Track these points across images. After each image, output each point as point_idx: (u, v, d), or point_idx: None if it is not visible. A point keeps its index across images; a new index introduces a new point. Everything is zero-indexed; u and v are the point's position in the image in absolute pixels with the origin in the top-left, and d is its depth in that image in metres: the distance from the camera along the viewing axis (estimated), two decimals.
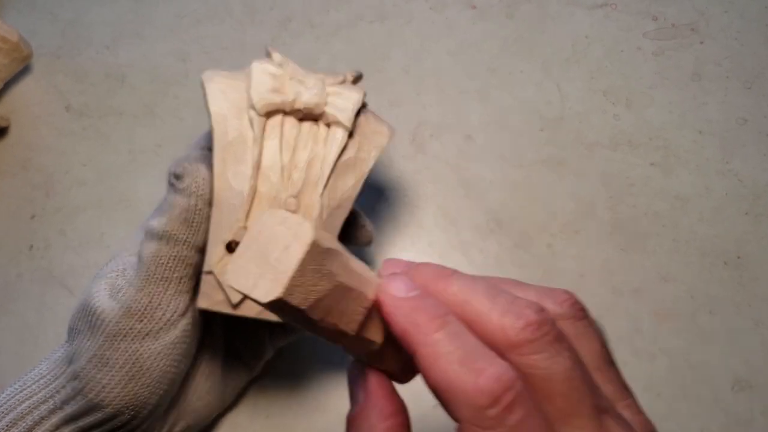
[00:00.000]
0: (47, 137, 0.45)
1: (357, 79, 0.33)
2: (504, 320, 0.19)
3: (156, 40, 0.48)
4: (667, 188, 0.42)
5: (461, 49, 0.47)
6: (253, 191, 0.29)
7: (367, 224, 0.34)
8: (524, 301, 0.20)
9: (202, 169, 0.29)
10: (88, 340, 0.29)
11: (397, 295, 0.20)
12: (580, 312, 0.21)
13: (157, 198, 0.43)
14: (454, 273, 0.21)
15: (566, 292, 0.22)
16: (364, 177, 0.32)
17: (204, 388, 0.33)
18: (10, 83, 0.46)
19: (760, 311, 0.39)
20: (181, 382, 0.32)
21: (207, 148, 0.32)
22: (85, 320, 0.29)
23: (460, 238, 0.42)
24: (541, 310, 0.19)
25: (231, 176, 0.29)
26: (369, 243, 0.34)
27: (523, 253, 0.41)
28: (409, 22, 0.48)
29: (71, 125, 0.46)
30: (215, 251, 0.29)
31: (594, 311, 0.41)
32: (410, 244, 0.42)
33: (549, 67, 0.46)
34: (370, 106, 0.35)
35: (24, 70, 0.47)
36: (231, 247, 0.29)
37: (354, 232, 0.34)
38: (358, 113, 0.32)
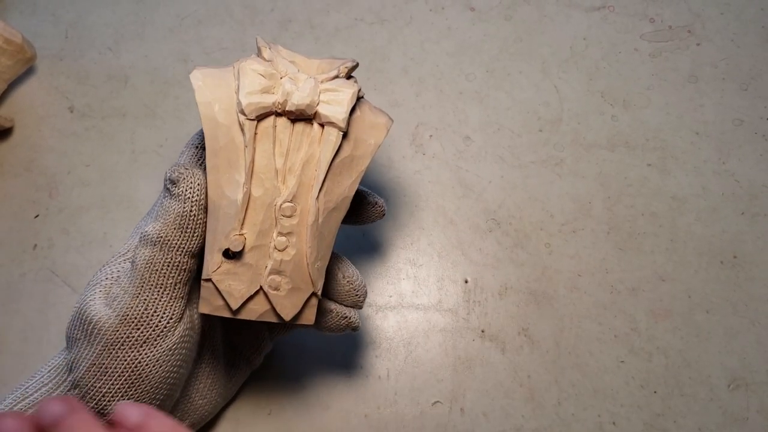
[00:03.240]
0: (50, 138, 0.46)
1: (351, 69, 0.32)
2: None
3: (157, 41, 0.48)
4: (664, 188, 0.43)
5: (460, 51, 0.47)
6: (248, 198, 0.28)
7: (378, 200, 0.34)
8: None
9: (198, 175, 0.29)
10: (86, 348, 0.29)
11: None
12: None
13: None
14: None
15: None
16: (362, 174, 0.31)
17: (206, 386, 0.34)
18: (14, 85, 0.47)
19: (756, 310, 0.40)
20: (184, 382, 0.32)
21: (201, 147, 0.32)
22: (82, 329, 0.29)
23: (459, 238, 0.42)
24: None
25: (224, 183, 0.29)
26: (381, 217, 0.35)
27: (522, 253, 0.42)
28: (409, 24, 0.48)
29: (74, 126, 0.46)
30: (212, 259, 0.29)
31: (591, 310, 0.41)
32: (410, 243, 0.42)
33: (547, 69, 0.46)
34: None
35: (27, 72, 0.47)
36: (228, 254, 0.29)
37: (367, 210, 0.34)
38: (353, 109, 0.30)
